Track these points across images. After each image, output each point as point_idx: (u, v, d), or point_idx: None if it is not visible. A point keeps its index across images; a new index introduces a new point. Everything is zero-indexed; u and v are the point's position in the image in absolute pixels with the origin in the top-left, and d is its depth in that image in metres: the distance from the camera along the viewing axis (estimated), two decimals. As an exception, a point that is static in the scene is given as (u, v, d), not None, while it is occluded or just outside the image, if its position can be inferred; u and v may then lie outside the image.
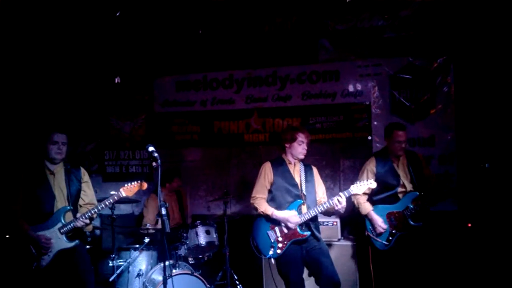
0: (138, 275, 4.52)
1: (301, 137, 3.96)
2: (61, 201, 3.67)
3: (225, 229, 4.81)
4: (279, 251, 3.85)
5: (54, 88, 5.96)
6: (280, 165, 4.03)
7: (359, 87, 5.41)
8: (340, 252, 4.72)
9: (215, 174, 5.82)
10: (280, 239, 3.87)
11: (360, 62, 5.40)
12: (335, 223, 4.83)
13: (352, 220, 5.27)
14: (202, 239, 4.67)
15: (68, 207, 3.66)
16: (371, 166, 4.27)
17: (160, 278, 4.12)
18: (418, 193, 4.12)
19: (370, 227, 4.21)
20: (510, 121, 4.63)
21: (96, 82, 6.05)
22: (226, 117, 5.78)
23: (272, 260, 3.90)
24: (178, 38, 5.79)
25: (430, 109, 5.20)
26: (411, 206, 4.08)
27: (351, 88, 5.43)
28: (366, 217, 4.22)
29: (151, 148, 3.32)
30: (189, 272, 4.37)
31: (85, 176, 3.89)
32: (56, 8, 5.34)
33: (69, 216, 3.67)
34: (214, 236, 4.79)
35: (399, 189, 4.19)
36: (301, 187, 3.94)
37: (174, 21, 5.74)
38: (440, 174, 5.03)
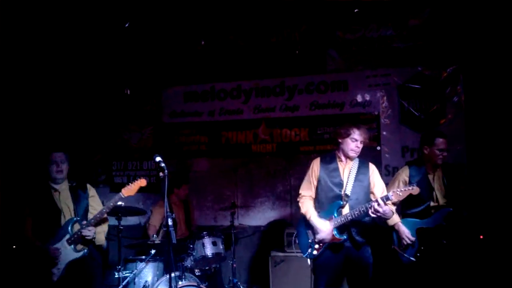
0: (144, 286, 4.47)
1: (355, 134, 3.71)
2: (67, 215, 3.68)
3: (232, 240, 4.76)
4: (315, 252, 3.73)
5: (61, 99, 5.99)
6: (329, 162, 3.84)
7: (367, 97, 5.37)
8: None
9: (222, 184, 5.79)
10: (317, 240, 3.73)
11: (369, 72, 5.36)
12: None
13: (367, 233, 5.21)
14: (209, 251, 4.62)
15: (75, 218, 3.66)
16: (403, 176, 4.04)
17: (166, 290, 4.10)
18: (451, 209, 3.87)
19: (397, 240, 3.99)
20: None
21: (104, 93, 6.08)
22: (234, 128, 5.77)
23: (308, 260, 3.81)
24: (186, 49, 5.82)
25: (440, 119, 5.14)
26: (444, 224, 3.84)
27: (359, 98, 5.40)
28: (393, 228, 3.98)
29: (158, 158, 3.29)
30: (196, 284, 4.31)
31: (91, 191, 3.89)
32: (64, 19, 5.38)
33: (77, 227, 3.67)
34: (221, 247, 4.73)
35: (432, 203, 3.97)
36: (345, 186, 3.73)
37: (181, 32, 5.77)
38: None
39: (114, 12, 5.44)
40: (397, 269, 4.12)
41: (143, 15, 5.57)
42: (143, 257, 4.62)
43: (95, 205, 3.89)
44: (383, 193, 3.73)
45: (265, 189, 5.65)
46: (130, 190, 3.70)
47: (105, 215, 3.86)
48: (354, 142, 3.72)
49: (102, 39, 5.79)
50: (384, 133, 5.30)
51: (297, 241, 3.91)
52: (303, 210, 3.83)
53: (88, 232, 3.62)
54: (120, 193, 3.69)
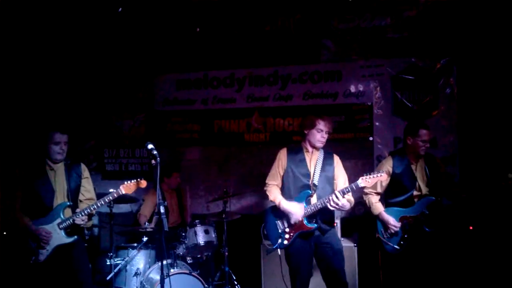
0: (136, 274, 4.48)
1: (321, 125, 3.81)
2: (60, 196, 3.70)
3: (224, 229, 4.77)
4: (286, 242, 3.78)
5: (54, 85, 5.93)
6: (296, 152, 3.92)
7: (361, 87, 5.36)
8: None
9: (215, 173, 5.78)
10: (287, 230, 3.80)
11: (363, 63, 5.36)
12: (335, 224, 4.78)
13: (354, 222, 5.26)
14: (201, 239, 4.64)
15: (68, 203, 3.68)
16: (387, 166, 4.09)
17: (158, 277, 4.08)
18: (434, 198, 3.94)
19: (382, 229, 4.06)
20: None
21: (96, 80, 6.02)
22: (227, 116, 5.75)
23: (279, 251, 3.83)
24: (179, 37, 5.76)
25: (433, 110, 5.16)
26: (427, 212, 3.90)
27: (353, 88, 5.39)
28: (377, 217, 4.07)
29: (150, 146, 3.29)
30: (187, 271, 4.33)
31: (85, 172, 3.90)
32: (56, 6, 5.30)
33: (68, 211, 3.69)
34: (213, 235, 4.76)
35: (415, 192, 4.01)
36: (313, 177, 3.83)
37: (174, 19, 5.71)
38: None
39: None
40: (382, 258, 4.20)
41: (136, 1, 5.51)
42: (135, 244, 4.63)
43: (88, 186, 3.91)
44: (345, 184, 3.87)
45: (257, 178, 5.64)
46: (129, 187, 3.70)
47: (95, 197, 3.91)
48: (320, 133, 3.83)
49: (95, 26, 5.72)
50: (377, 123, 5.31)
51: (265, 232, 3.93)
52: (271, 198, 3.88)
53: (81, 221, 3.64)
54: (119, 190, 3.69)
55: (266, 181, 3.98)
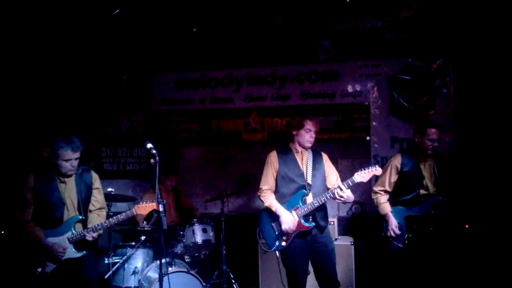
0: (134, 272, 4.50)
1: (308, 125, 3.88)
2: (71, 208, 3.60)
3: (222, 228, 4.79)
4: (284, 243, 3.80)
5: (52, 85, 5.94)
6: (286, 154, 3.95)
7: (358, 87, 5.40)
8: (337, 252, 4.70)
9: (213, 172, 5.80)
10: (283, 231, 3.81)
11: (360, 63, 5.39)
12: (332, 223, 4.82)
13: (351, 220, 5.30)
14: (199, 237, 4.65)
15: (80, 217, 3.59)
16: (395, 162, 4.11)
17: (156, 275, 4.12)
18: (440, 198, 3.96)
19: (386, 228, 4.10)
20: (509, 122, 4.63)
21: (94, 80, 6.03)
22: (225, 116, 5.77)
23: (277, 253, 3.85)
24: (177, 36, 5.77)
25: (429, 110, 5.20)
26: (432, 212, 3.93)
27: (350, 88, 5.43)
28: (384, 217, 4.10)
29: (149, 145, 3.29)
30: (185, 270, 4.35)
31: (96, 182, 3.78)
32: (54, 6, 5.30)
33: (79, 225, 3.62)
34: (211, 234, 4.77)
35: (422, 191, 4.04)
36: (306, 176, 3.86)
37: (173, 19, 5.72)
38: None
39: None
40: (387, 256, 4.22)
41: (134, 1, 5.52)
42: (133, 243, 4.64)
43: (99, 196, 3.80)
44: (337, 179, 3.95)
45: (255, 177, 5.66)
46: (143, 209, 3.65)
47: (105, 207, 3.87)
48: (308, 133, 3.89)
49: (93, 26, 5.72)
50: (374, 123, 5.35)
51: (261, 235, 3.94)
52: (266, 204, 3.89)
53: (91, 238, 3.56)
54: (133, 209, 3.63)
55: (260, 186, 3.99)
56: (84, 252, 3.59)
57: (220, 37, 5.70)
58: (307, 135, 3.89)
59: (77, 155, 3.54)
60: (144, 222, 4.84)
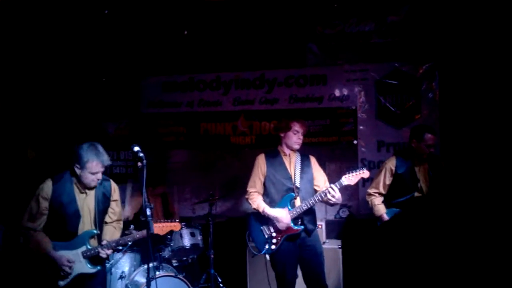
0: (121, 277, 4.46)
1: (296, 127, 3.91)
2: (87, 221, 3.47)
3: (210, 231, 4.77)
4: (273, 246, 3.81)
5: (38, 87, 5.85)
6: (274, 157, 3.97)
7: (345, 91, 5.43)
8: (325, 255, 4.71)
9: (200, 176, 5.78)
10: (274, 234, 3.83)
11: (347, 67, 5.43)
12: (320, 226, 4.84)
13: (339, 223, 5.32)
14: (187, 241, 4.64)
15: (95, 231, 3.48)
16: (390, 165, 4.15)
17: (143, 280, 4.10)
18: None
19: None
20: (494, 127, 4.70)
21: (81, 82, 5.96)
22: (213, 119, 5.76)
23: (267, 256, 3.86)
24: (165, 39, 5.74)
25: (415, 114, 5.25)
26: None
27: (337, 92, 5.46)
28: (378, 218, 4.15)
29: (136, 148, 3.26)
30: (173, 274, 4.33)
31: (115, 193, 3.66)
32: (39, 9, 5.24)
33: (93, 242, 3.51)
34: (199, 238, 4.76)
35: (416, 194, 4.08)
36: (294, 179, 3.87)
37: (161, 22, 5.68)
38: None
39: (93, 1, 5.33)
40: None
41: (122, 3, 5.48)
42: (120, 247, 4.60)
43: (117, 208, 3.69)
44: (325, 182, 3.97)
45: (243, 180, 5.65)
46: (160, 229, 3.61)
47: (122, 219, 3.81)
48: (296, 134, 3.92)
49: (80, 29, 5.66)
50: (361, 127, 5.39)
51: (251, 239, 3.94)
52: (254, 206, 3.90)
53: (105, 255, 3.47)
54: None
55: (247, 189, 3.99)
56: (99, 267, 3.50)
57: (209, 40, 5.69)
58: (295, 137, 3.91)
59: (104, 169, 3.45)
60: (132, 226, 4.80)
